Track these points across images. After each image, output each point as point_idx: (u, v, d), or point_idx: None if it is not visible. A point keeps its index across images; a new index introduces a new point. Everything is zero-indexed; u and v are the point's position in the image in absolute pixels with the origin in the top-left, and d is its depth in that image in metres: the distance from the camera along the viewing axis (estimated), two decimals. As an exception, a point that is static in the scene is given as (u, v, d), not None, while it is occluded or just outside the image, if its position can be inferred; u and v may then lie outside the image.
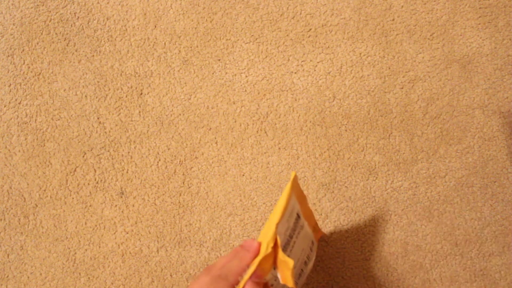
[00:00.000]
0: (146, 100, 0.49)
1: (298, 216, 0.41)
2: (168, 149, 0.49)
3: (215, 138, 0.49)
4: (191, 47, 0.49)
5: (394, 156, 0.50)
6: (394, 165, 0.50)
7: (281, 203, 0.38)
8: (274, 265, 0.37)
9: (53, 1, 0.49)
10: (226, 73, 0.49)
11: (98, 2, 0.49)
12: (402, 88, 0.50)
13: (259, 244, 0.37)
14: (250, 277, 0.34)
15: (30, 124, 0.48)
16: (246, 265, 0.35)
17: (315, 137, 0.49)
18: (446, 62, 0.50)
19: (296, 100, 0.49)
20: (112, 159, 0.48)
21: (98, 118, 0.48)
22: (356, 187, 0.49)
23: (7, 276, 0.47)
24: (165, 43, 0.49)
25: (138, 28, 0.49)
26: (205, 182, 0.49)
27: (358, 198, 0.49)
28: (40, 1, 0.49)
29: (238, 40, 0.50)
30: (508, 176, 0.50)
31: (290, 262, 0.36)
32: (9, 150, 0.48)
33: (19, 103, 0.48)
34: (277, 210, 0.38)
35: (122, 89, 0.49)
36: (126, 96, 0.49)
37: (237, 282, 0.35)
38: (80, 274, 0.47)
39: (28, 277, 0.47)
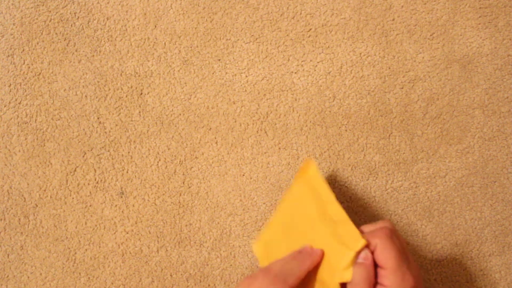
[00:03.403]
0: (146, 100, 0.49)
1: None
2: (168, 149, 0.49)
3: (215, 138, 0.49)
4: (191, 47, 0.49)
5: (394, 156, 0.50)
6: (394, 165, 0.50)
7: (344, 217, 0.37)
8: None
9: (53, 1, 0.49)
10: (226, 73, 0.49)
11: (98, 2, 0.49)
12: (402, 88, 0.50)
13: (322, 252, 0.35)
14: None
15: (30, 124, 0.48)
16: (306, 269, 0.34)
17: (315, 137, 0.49)
18: (446, 62, 0.50)
19: (296, 100, 0.49)
20: (112, 159, 0.48)
21: (98, 118, 0.48)
22: (356, 187, 0.49)
23: (7, 276, 0.47)
24: (165, 43, 0.49)
25: (138, 28, 0.49)
26: (205, 182, 0.49)
27: (358, 198, 0.49)
28: (40, 1, 0.49)
29: (238, 40, 0.50)
30: (508, 176, 0.50)
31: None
32: (9, 150, 0.48)
33: (19, 103, 0.48)
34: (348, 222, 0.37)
35: (122, 89, 0.49)
36: (126, 96, 0.49)
37: (296, 285, 0.33)
38: (80, 274, 0.47)
39: (28, 277, 0.47)
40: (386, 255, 0.32)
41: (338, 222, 0.37)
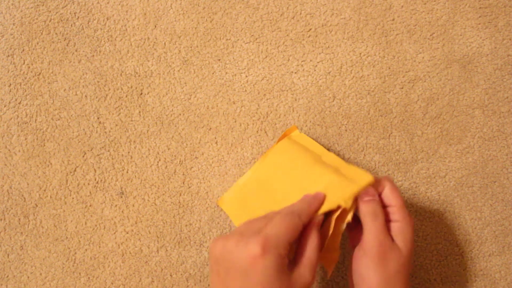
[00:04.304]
0: (146, 100, 0.49)
1: None
2: (168, 149, 0.49)
3: (215, 138, 0.49)
4: (191, 47, 0.49)
5: (394, 156, 0.50)
6: (394, 165, 0.50)
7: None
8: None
9: (53, 1, 0.49)
10: (226, 73, 0.49)
11: (98, 2, 0.49)
12: (402, 88, 0.50)
13: (324, 196, 0.38)
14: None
15: (30, 124, 0.48)
16: (314, 211, 0.37)
17: (315, 137, 0.49)
18: (446, 62, 0.50)
19: (296, 100, 0.49)
20: (112, 159, 0.48)
21: (98, 118, 0.48)
22: (356, 187, 0.49)
23: (7, 276, 0.47)
24: (165, 43, 0.49)
25: (138, 28, 0.49)
26: (205, 182, 0.49)
27: (358, 198, 0.49)
28: (40, 1, 0.49)
29: (238, 40, 0.50)
30: (508, 176, 0.50)
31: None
32: (9, 150, 0.48)
33: (19, 103, 0.48)
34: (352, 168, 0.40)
35: (122, 89, 0.49)
36: (126, 96, 0.49)
37: (306, 223, 0.36)
38: (80, 274, 0.47)
39: (28, 277, 0.47)
40: (395, 194, 0.38)
41: (339, 167, 0.40)
